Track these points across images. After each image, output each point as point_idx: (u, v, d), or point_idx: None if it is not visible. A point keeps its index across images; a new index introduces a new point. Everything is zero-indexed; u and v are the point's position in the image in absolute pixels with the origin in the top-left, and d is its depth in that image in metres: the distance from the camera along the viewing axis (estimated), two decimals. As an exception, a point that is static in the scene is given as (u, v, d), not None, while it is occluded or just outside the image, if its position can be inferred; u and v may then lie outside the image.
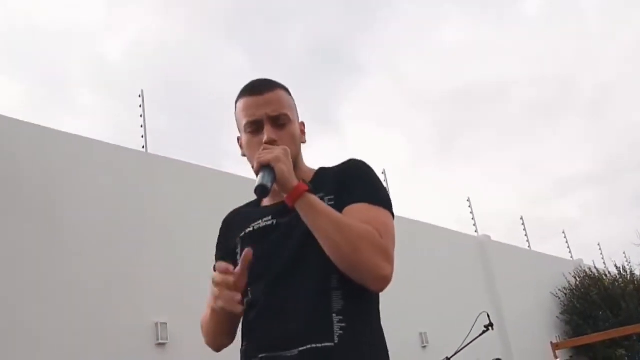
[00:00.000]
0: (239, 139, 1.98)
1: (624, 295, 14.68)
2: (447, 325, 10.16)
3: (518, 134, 26.40)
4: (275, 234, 1.77)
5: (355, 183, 1.77)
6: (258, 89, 1.87)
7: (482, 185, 24.32)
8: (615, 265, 16.98)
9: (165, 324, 7.26)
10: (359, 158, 1.88)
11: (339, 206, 1.70)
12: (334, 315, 1.63)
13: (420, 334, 10.92)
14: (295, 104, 1.96)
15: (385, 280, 1.61)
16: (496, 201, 23.04)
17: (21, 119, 7.03)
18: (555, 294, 16.02)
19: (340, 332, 1.62)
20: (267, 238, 1.79)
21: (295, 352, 1.62)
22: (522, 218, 17.06)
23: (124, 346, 6.90)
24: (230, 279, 1.62)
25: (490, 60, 24.63)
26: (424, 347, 10.88)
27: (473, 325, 6.30)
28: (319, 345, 1.61)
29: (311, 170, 1.93)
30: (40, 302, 6.41)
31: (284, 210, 1.76)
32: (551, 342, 13.02)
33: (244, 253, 1.65)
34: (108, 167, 7.61)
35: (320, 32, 21.94)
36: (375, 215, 1.69)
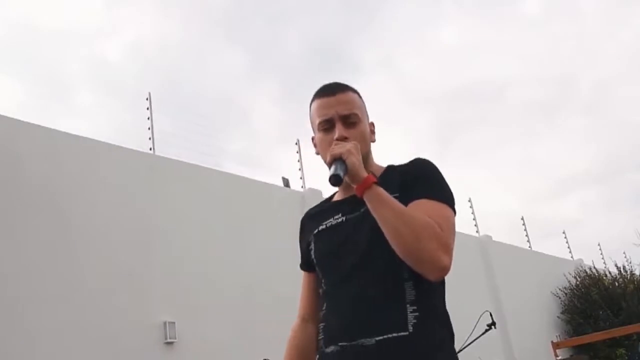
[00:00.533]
0: (313, 139, 2.07)
1: (624, 295, 14.78)
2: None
3: (518, 133, 26.44)
4: (345, 230, 1.87)
5: (419, 180, 1.87)
6: (330, 90, 1.99)
7: (482, 185, 24.37)
8: (616, 265, 17.10)
9: (174, 323, 7.39)
10: (427, 159, 1.98)
11: (403, 201, 1.79)
12: (408, 305, 1.73)
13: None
14: (365, 105, 2.05)
15: (443, 271, 1.69)
16: (497, 201, 23.09)
17: (25, 120, 7.15)
18: (555, 293, 16.14)
19: (414, 321, 1.71)
20: (338, 234, 1.90)
21: (372, 341, 1.71)
22: (522, 218, 17.17)
23: (133, 345, 7.03)
24: None
25: (489, 59, 24.69)
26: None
27: (476, 324, 6.36)
28: (395, 334, 1.70)
29: (380, 167, 2.03)
30: (48, 302, 6.54)
31: (353, 204, 1.87)
32: (552, 342, 13.12)
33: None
34: (116, 169, 7.74)
35: (319, 32, 22.05)
36: (437, 209, 1.78)
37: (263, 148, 17.26)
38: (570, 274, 16.58)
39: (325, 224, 1.98)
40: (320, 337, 1.90)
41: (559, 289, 16.22)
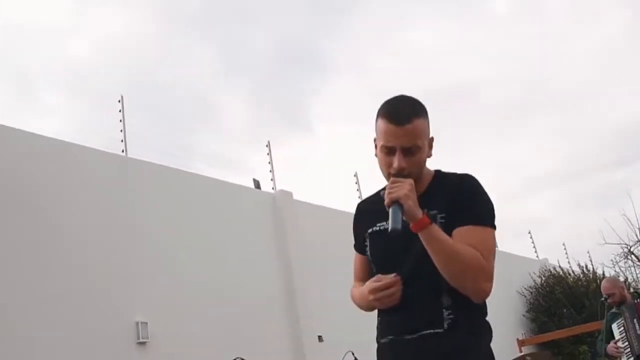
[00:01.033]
0: (375, 140, 2.21)
1: (587, 294, 15.10)
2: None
3: (489, 133, 26.68)
4: (400, 239, 2.04)
5: (465, 204, 2.09)
6: (398, 119, 2.08)
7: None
8: (579, 265, 17.52)
9: (146, 323, 7.48)
10: (471, 175, 2.19)
11: (449, 223, 2.06)
12: (444, 310, 2.06)
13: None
14: (428, 124, 2.18)
15: (484, 297, 2.10)
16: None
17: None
18: (521, 292, 16.46)
19: (449, 321, 2.06)
20: (394, 242, 2.10)
21: (415, 335, 2.08)
22: (489, 219, 17.44)
23: (106, 345, 7.10)
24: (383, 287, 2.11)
25: (460, 59, 24.85)
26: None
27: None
28: (432, 331, 2.06)
29: (429, 173, 2.23)
30: (22, 303, 6.59)
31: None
32: (517, 339, 13.43)
33: (392, 280, 2.09)
34: (88, 171, 7.80)
35: (290, 32, 22.03)
36: (480, 237, 2.05)
37: (234, 149, 17.30)
38: (535, 274, 16.93)
39: (379, 227, 2.21)
40: (378, 327, 2.29)
41: (525, 288, 16.55)
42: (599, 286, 15.39)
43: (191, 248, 8.53)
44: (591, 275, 16.62)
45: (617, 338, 5.85)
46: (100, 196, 7.74)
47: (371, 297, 2.13)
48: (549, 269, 17.22)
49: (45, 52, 14.19)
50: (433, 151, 2.19)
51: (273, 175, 10.92)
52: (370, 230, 2.27)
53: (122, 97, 8.80)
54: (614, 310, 6.09)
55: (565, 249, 19.71)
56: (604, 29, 26.27)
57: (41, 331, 6.59)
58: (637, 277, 16.51)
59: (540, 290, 16.44)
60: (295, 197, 10.88)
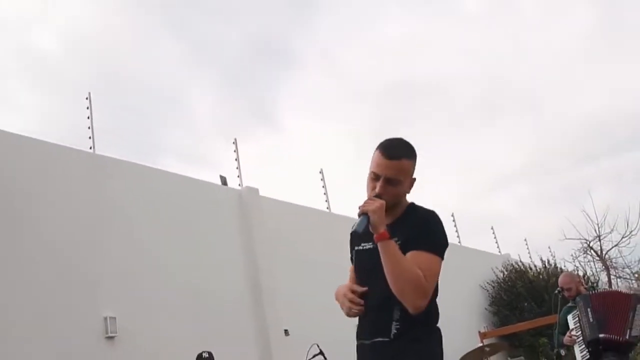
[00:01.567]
0: (370, 168, 2.63)
1: (547, 287, 15.42)
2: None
3: (456, 129, 26.89)
4: (373, 259, 2.48)
5: (422, 233, 2.46)
6: (390, 154, 2.53)
7: (420, 181, 24.81)
8: (541, 259, 17.93)
9: (114, 318, 7.56)
10: (434, 213, 2.58)
11: (405, 247, 2.43)
12: (394, 322, 2.44)
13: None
14: (414, 164, 2.60)
15: (418, 310, 2.36)
16: (434, 197, 23.43)
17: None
18: (484, 286, 16.82)
19: (395, 331, 2.43)
20: (370, 258, 2.53)
21: (369, 342, 2.51)
22: (452, 215, 17.76)
23: (74, 339, 7.17)
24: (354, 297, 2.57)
25: (428, 55, 25.02)
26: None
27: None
28: (381, 339, 2.46)
29: (405, 205, 2.62)
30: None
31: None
32: (479, 332, 13.72)
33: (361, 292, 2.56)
34: (57, 168, 7.84)
35: (258, 26, 21.99)
36: (427, 261, 2.39)
37: (202, 144, 17.28)
38: (497, 268, 17.27)
39: (362, 246, 2.63)
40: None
41: (487, 283, 16.90)
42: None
43: (159, 244, 8.61)
44: (552, 270, 17.00)
45: (571, 328, 6.10)
46: (68, 193, 7.79)
47: (339, 301, 2.60)
48: (512, 264, 17.59)
49: (10, 44, 14.02)
50: (413, 190, 2.62)
51: (240, 171, 11.01)
52: (356, 249, 2.70)
53: (89, 93, 8.83)
54: (570, 304, 6.34)
55: (527, 244, 20.11)
56: (571, 27, 26.68)
57: (10, 325, 6.64)
58: (596, 272, 16.94)
59: (503, 284, 16.78)
60: (262, 193, 10.99)
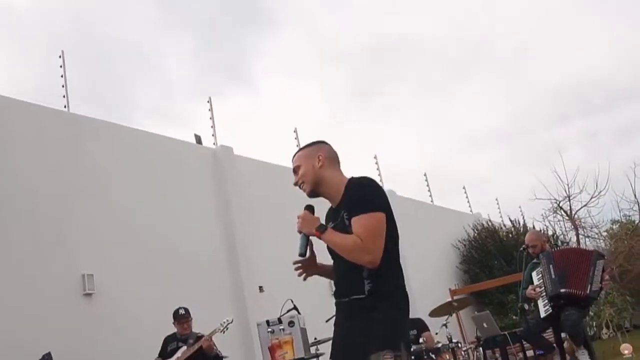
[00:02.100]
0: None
1: (516, 246, 15.76)
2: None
3: (435, 90, 27.03)
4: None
5: (353, 202, 2.79)
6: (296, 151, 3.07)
7: (397, 141, 25.02)
8: (509, 218, 18.29)
9: (92, 275, 7.68)
10: (362, 178, 2.88)
11: (349, 217, 2.76)
12: (365, 280, 2.73)
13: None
14: (314, 150, 3.01)
15: (370, 264, 2.68)
16: (410, 157, 23.59)
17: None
18: (455, 245, 17.18)
19: (369, 288, 2.72)
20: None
21: (346, 299, 2.82)
22: (425, 174, 18.01)
23: (52, 296, 7.27)
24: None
25: (404, 16, 24.97)
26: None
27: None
28: (357, 296, 2.75)
29: (342, 183, 2.92)
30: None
31: (336, 213, 2.90)
32: (449, 289, 14.07)
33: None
34: (32, 127, 7.85)
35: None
36: (360, 224, 2.71)
37: (177, 105, 17.23)
38: (469, 226, 17.62)
39: (332, 223, 2.91)
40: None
41: (459, 241, 17.26)
42: (527, 238, 16.24)
43: (134, 202, 8.69)
44: (521, 229, 17.37)
45: (535, 284, 6.34)
46: (43, 151, 7.81)
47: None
48: (482, 223, 17.93)
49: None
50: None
51: (214, 130, 11.06)
52: (331, 225, 3.00)
53: (62, 52, 8.79)
54: (535, 260, 6.58)
55: (498, 204, 20.47)
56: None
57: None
58: (565, 231, 17.32)
59: (474, 243, 17.15)
60: (236, 152, 11.07)
